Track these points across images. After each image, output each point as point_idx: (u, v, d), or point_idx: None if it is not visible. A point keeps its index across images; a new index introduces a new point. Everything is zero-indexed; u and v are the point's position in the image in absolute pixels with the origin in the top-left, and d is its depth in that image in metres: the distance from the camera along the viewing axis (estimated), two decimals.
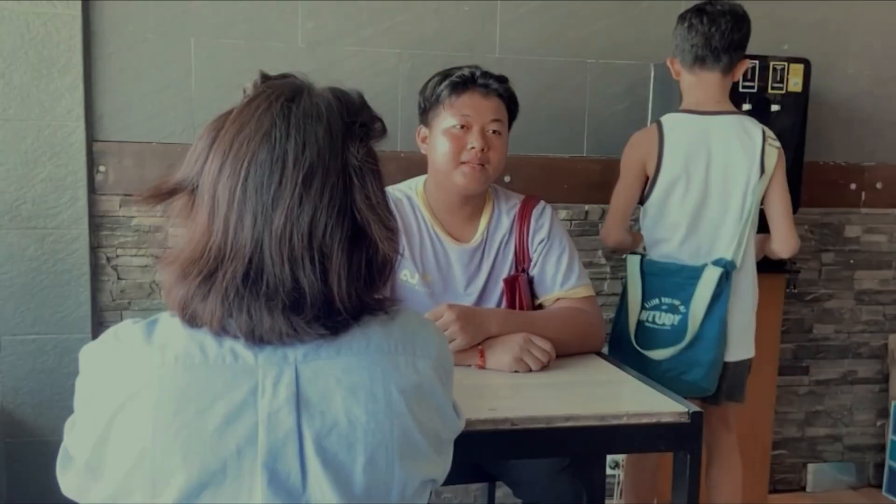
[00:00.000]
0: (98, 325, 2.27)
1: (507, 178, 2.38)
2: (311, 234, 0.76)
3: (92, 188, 2.22)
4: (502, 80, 1.65)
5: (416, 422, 0.78)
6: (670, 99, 2.33)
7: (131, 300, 2.29)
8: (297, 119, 0.78)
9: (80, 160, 2.18)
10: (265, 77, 0.85)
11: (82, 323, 2.22)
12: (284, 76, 0.85)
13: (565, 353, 1.54)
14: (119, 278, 2.28)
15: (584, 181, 2.52)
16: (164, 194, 0.81)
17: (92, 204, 2.22)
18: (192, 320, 0.76)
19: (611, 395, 1.39)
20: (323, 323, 0.76)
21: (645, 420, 1.27)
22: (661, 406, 1.30)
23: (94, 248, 2.25)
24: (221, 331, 0.76)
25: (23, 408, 2.20)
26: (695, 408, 1.28)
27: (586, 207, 2.54)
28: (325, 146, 0.78)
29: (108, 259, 2.27)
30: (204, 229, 0.77)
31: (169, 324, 0.78)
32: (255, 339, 0.75)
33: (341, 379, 0.76)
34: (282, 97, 0.80)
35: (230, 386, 0.74)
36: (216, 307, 0.74)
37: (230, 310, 0.75)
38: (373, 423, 0.76)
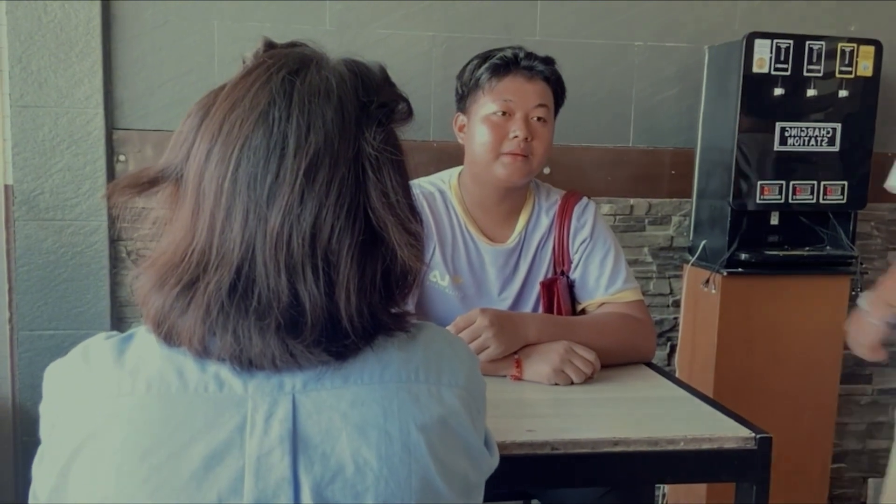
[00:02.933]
0: (117, 321, 2.18)
1: (546, 170, 2.23)
2: (315, 238, 0.62)
3: (112, 178, 2.13)
4: (548, 61, 1.50)
5: (439, 465, 0.64)
6: (726, 83, 2.16)
7: None
8: (301, 96, 0.64)
9: (99, 149, 2.09)
10: (269, 45, 0.70)
11: (101, 318, 2.14)
12: (292, 45, 0.70)
13: (611, 363, 1.39)
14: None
15: (629, 173, 2.35)
16: (143, 184, 0.67)
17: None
18: (169, 338, 0.63)
19: (664, 414, 1.24)
20: (326, 347, 0.62)
21: (705, 446, 1.11)
22: (722, 429, 1.14)
23: (114, 241, 2.16)
24: (203, 352, 0.62)
25: (39, 406, 2.12)
26: (763, 432, 1.12)
27: (631, 202, 2.38)
28: (335, 130, 0.64)
29: (129, 252, 2.18)
30: (187, 229, 0.64)
31: (144, 342, 0.65)
32: (244, 363, 0.62)
33: (348, 414, 0.62)
34: (284, 69, 0.65)
35: (212, 421, 0.61)
36: (196, 325, 0.61)
37: (212, 329, 0.61)
38: (385, 468, 0.62)
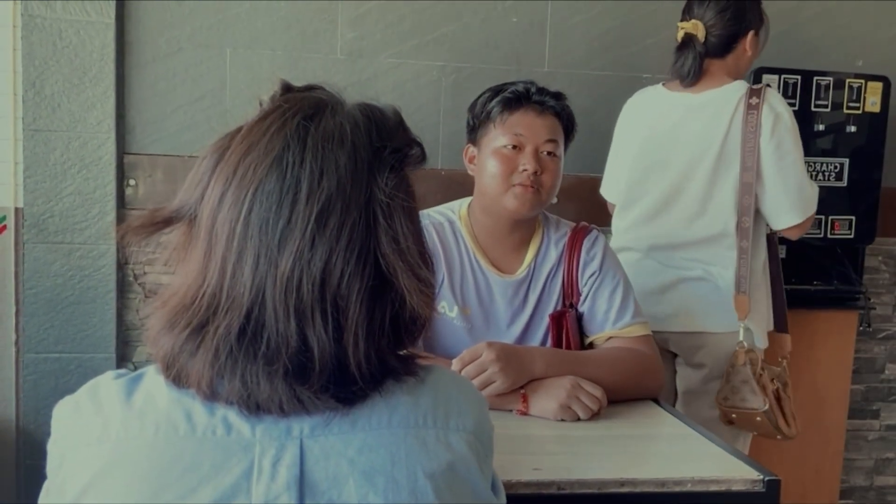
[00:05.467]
0: (123, 344, 2.19)
1: (553, 200, 2.22)
2: (325, 283, 0.62)
3: (121, 202, 2.15)
4: (559, 97, 1.51)
5: None
6: None
7: None
8: (315, 141, 0.65)
9: (109, 173, 2.11)
10: (286, 88, 0.71)
11: (107, 342, 2.14)
12: (310, 88, 0.71)
13: (618, 399, 1.38)
14: (146, 296, 2.20)
15: None
16: (157, 224, 0.68)
17: (121, 219, 2.14)
18: (178, 380, 0.63)
19: (671, 453, 1.23)
20: (334, 393, 0.62)
21: (712, 488, 1.10)
22: (730, 471, 1.13)
23: (122, 265, 2.17)
24: (212, 395, 0.62)
25: (44, 429, 2.10)
26: (771, 474, 1.11)
27: None
28: (347, 176, 0.64)
29: (136, 276, 2.19)
30: (198, 271, 0.64)
31: (154, 383, 0.65)
32: (251, 407, 0.62)
33: (356, 460, 0.62)
34: (299, 114, 0.66)
35: (220, 466, 0.61)
36: (204, 368, 0.61)
37: (220, 372, 0.61)
38: None
